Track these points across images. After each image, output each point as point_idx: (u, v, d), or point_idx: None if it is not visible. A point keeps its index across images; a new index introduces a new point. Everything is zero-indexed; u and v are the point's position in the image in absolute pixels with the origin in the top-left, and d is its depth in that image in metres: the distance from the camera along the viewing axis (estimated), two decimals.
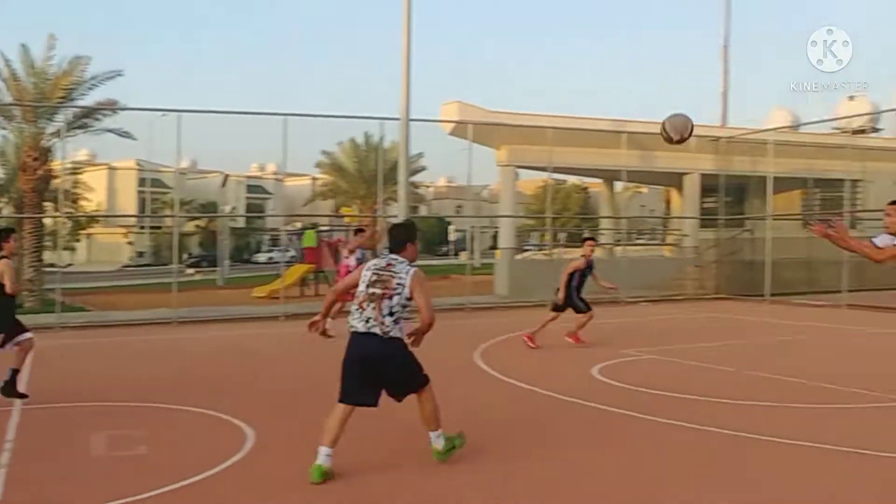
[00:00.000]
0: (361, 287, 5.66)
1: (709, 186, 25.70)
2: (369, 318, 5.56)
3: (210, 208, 54.49)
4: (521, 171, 27.73)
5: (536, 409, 7.92)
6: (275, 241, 29.29)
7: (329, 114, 18.73)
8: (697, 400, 8.29)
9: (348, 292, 6.18)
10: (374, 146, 30.57)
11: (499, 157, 24.35)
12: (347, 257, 14.82)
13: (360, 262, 14.82)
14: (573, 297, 12.25)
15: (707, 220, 25.67)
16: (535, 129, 22.10)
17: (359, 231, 15.40)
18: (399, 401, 5.84)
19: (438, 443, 5.82)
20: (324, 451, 5.47)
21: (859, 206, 26.38)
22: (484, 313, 18.70)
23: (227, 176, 40.92)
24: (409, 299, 5.61)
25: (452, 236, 57.18)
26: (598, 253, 31.32)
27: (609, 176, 29.84)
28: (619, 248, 25.84)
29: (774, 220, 23.42)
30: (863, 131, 32.38)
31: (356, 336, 5.62)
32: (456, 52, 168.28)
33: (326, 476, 5.42)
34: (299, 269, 25.87)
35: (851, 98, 34.02)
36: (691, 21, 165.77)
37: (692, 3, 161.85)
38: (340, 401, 5.61)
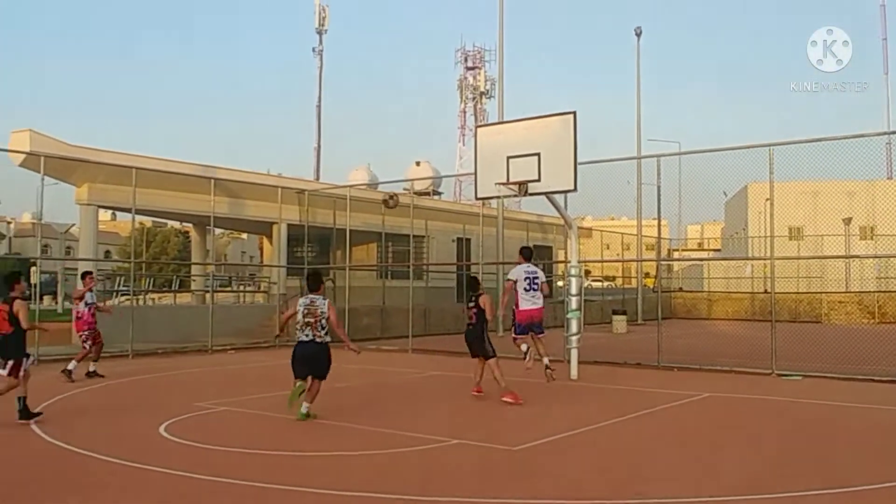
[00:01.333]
0: (299, 317, 10.06)
1: (296, 236, 26.54)
2: (307, 333, 10.00)
3: None
4: (119, 212, 26.04)
5: (79, 476, 7.35)
6: None
7: None
8: (261, 454, 8.36)
9: None
10: None
11: (78, 195, 22.68)
12: (77, 304, 14.86)
13: (91, 305, 14.64)
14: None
15: (293, 268, 26.44)
16: (118, 167, 21.08)
17: (87, 274, 15.31)
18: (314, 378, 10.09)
19: (305, 408, 9.99)
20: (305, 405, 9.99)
21: (424, 259, 29.23)
22: (57, 366, 16.97)
23: None
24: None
25: (35, 279, 51.73)
26: (189, 299, 30.71)
27: (199, 220, 29.38)
28: (209, 295, 25.28)
29: (353, 269, 24.92)
30: (427, 194, 36.11)
31: (300, 343, 10.08)
32: (36, 81, 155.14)
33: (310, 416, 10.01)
34: None
35: (418, 164, 37.88)
36: (289, 78, 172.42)
37: (288, 62, 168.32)
38: (296, 377, 10.08)
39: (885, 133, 17.18)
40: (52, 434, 9.18)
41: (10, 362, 9.72)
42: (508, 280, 12.66)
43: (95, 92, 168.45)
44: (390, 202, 14.04)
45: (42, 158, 18.69)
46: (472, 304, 12.18)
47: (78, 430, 9.59)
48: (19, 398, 9.75)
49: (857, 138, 15.84)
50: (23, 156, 19.96)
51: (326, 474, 7.57)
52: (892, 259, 32.28)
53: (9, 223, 74.63)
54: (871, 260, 32.17)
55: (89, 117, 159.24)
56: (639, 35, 37.85)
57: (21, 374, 9.70)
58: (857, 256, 30.57)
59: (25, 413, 9.74)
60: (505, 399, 11.43)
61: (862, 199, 34.81)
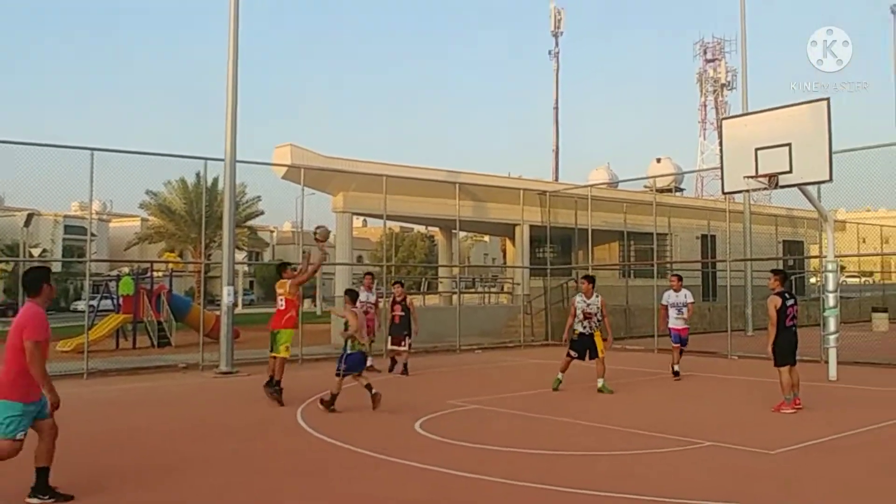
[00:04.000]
0: (579, 314, 13.17)
1: (538, 237, 26.80)
2: (585, 325, 13.03)
3: (17, 250, 49.79)
4: (369, 218, 27.60)
5: (346, 468, 7.83)
6: (97, 288, 27.33)
7: (144, 151, 17.08)
8: (512, 452, 8.52)
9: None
10: (208, 187, 29.77)
11: (334, 204, 24.23)
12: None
13: (365, 304, 15.93)
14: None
15: (536, 269, 26.74)
16: (370, 176, 22.20)
17: (367, 275, 17.60)
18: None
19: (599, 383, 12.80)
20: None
21: (667, 257, 28.34)
22: (317, 364, 18.35)
23: (30, 214, 38.17)
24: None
25: None
26: (437, 301, 31.96)
27: (445, 224, 30.50)
28: (454, 297, 26.21)
29: (595, 269, 24.69)
30: (669, 190, 35.04)
31: (581, 335, 13.10)
32: (296, 96, 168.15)
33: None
34: (113, 320, 23.54)
35: (659, 160, 36.93)
36: (526, 81, 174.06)
37: (525, 66, 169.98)
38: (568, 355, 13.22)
39: None
40: (315, 427, 9.89)
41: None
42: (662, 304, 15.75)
43: (345, 104, 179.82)
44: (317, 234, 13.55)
45: (302, 171, 20.24)
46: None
47: (340, 423, 10.28)
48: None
49: None
50: (285, 169, 21.66)
51: (574, 473, 7.59)
52: None
53: (271, 232, 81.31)
54: None
55: (339, 128, 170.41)
56: None
57: None
58: None
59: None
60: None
61: None
